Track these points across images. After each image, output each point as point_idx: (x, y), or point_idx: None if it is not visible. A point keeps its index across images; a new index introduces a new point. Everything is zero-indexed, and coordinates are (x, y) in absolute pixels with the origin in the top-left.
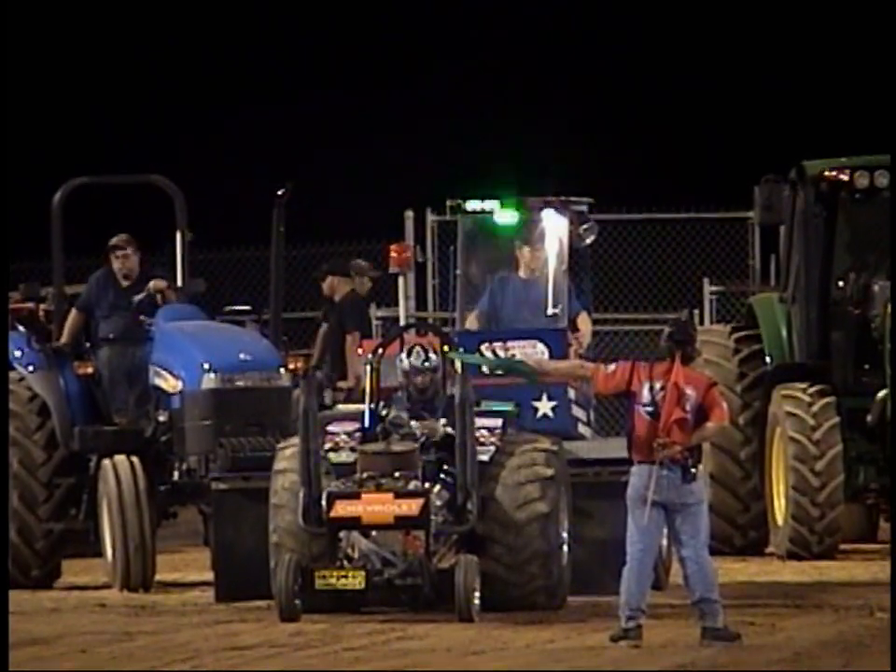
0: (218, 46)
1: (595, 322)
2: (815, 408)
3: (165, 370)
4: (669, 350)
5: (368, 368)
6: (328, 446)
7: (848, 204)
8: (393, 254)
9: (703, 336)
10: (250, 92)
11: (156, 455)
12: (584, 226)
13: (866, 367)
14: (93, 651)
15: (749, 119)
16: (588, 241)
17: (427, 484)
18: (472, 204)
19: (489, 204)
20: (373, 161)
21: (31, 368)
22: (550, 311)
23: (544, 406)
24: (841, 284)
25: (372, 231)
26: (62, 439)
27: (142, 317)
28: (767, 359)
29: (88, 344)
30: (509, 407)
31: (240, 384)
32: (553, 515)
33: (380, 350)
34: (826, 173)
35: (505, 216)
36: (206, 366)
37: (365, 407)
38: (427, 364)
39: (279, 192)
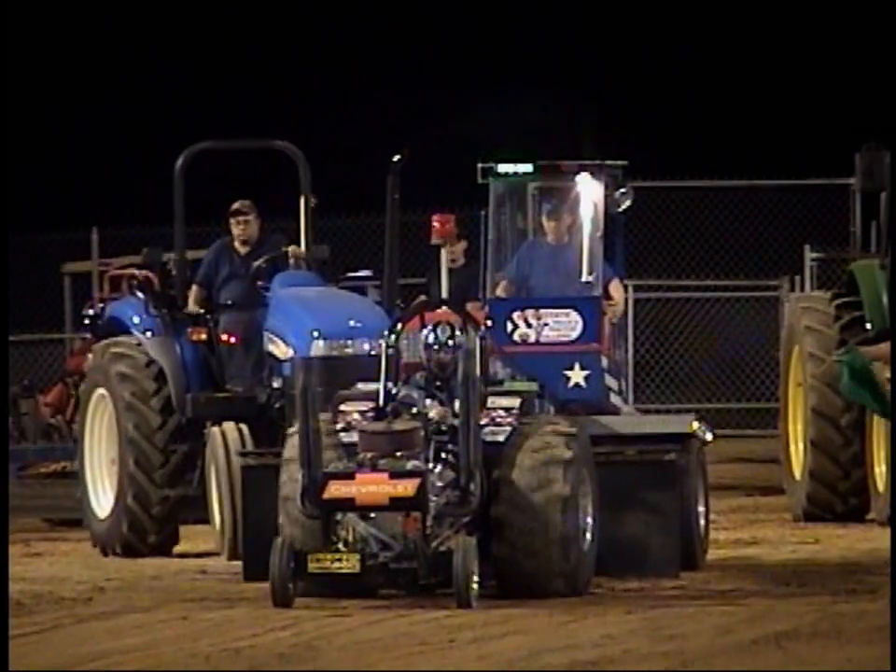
0: (341, 16)
1: (693, 288)
2: None
3: (278, 336)
4: None
5: (384, 345)
6: (340, 425)
7: None
8: (435, 224)
9: (803, 303)
10: (370, 61)
11: (269, 423)
12: (620, 191)
13: None
14: (194, 619)
15: (852, 87)
16: (623, 206)
17: (430, 465)
18: (505, 167)
19: (522, 167)
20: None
21: (148, 333)
22: (584, 278)
23: (576, 375)
24: None
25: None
26: (177, 404)
27: (260, 283)
28: (868, 326)
29: (202, 311)
30: (530, 387)
31: (349, 350)
32: (574, 498)
33: (399, 325)
34: None
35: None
36: (316, 333)
37: (380, 386)
38: (451, 341)
39: (394, 159)
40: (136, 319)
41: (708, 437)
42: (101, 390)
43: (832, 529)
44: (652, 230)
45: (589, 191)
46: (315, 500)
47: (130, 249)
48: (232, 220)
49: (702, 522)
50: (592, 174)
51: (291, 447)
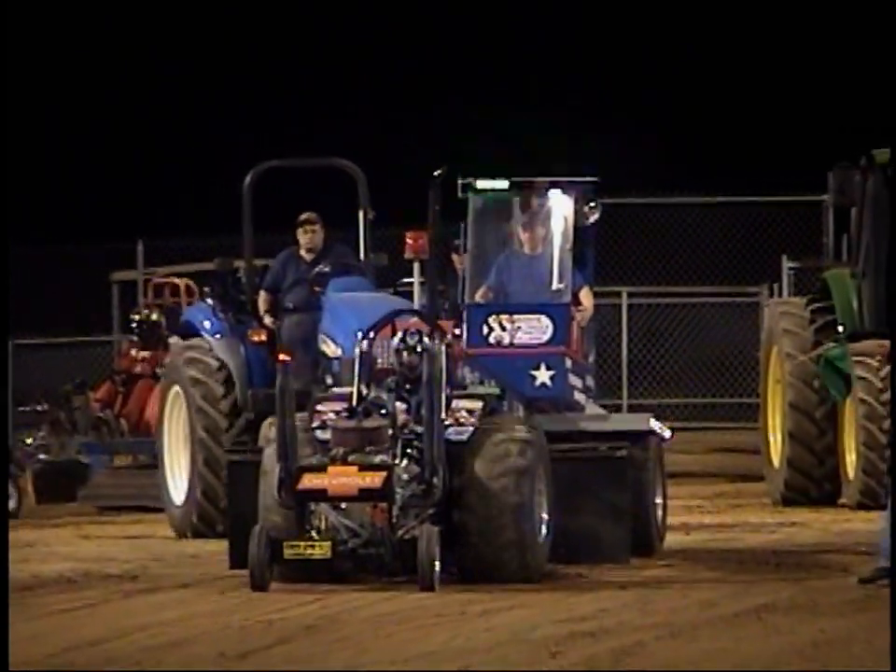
0: (390, 38)
1: (682, 294)
2: (882, 372)
3: (328, 337)
4: None
5: (357, 350)
6: (315, 424)
7: None
8: (409, 240)
9: (781, 308)
10: (419, 82)
11: None
12: (590, 205)
13: None
14: (229, 595)
15: (825, 110)
16: (592, 219)
17: (397, 460)
18: (483, 183)
19: (498, 184)
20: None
21: (217, 336)
22: (554, 286)
23: (542, 375)
24: None
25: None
26: (241, 401)
27: (317, 288)
28: (840, 329)
29: (272, 318)
30: (492, 390)
31: None
32: (527, 504)
33: (371, 333)
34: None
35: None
36: (360, 333)
37: (353, 388)
38: (419, 346)
39: (435, 173)
40: (206, 323)
41: (667, 434)
42: (176, 387)
43: (807, 513)
44: (645, 242)
45: (560, 206)
46: (290, 491)
47: (172, 259)
48: (300, 230)
49: (659, 513)
50: (563, 189)
51: (268, 456)
